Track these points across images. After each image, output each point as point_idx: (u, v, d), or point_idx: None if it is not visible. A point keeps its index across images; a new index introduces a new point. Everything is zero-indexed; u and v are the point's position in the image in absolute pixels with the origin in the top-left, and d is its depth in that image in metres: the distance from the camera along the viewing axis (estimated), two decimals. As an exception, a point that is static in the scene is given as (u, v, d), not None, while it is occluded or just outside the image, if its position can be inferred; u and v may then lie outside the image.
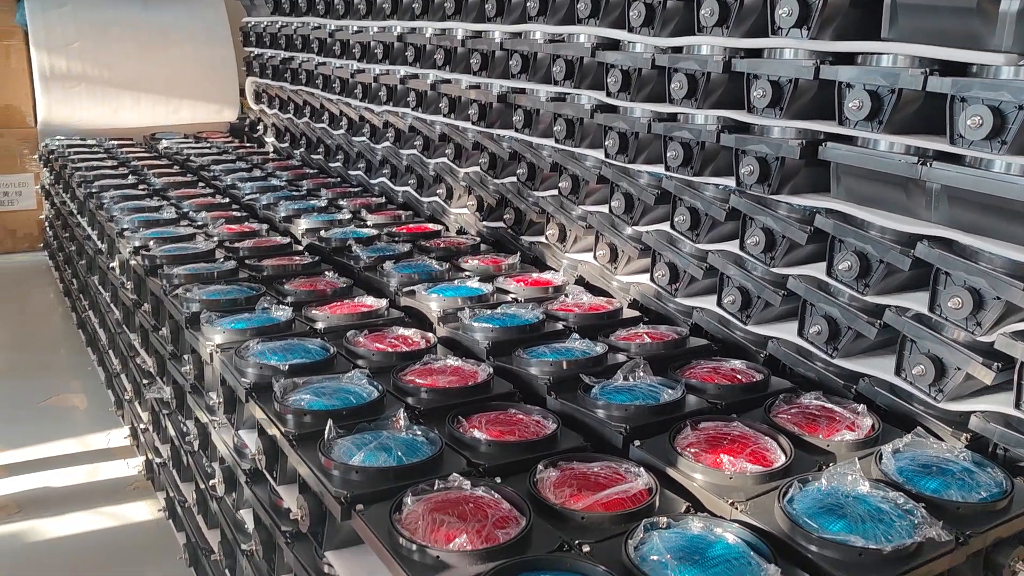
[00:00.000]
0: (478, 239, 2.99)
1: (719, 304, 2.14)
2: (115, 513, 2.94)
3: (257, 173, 4.11)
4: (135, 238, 2.89)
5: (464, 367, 1.86)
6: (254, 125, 5.46)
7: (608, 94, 2.36)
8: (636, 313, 2.30)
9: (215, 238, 2.92)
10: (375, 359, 1.93)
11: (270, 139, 5.12)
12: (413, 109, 3.40)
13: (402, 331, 2.08)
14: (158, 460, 2.69)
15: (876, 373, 1.80)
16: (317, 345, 1.97)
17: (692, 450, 1.49)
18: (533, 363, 1.87)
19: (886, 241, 1.72)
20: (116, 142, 4.98)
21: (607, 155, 2.40)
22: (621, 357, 1.96)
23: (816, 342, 1.90)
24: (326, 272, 2.53)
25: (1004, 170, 1.50)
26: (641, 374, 1.79)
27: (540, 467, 1.44)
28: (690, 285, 2.25)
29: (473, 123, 2.99)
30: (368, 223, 3.19)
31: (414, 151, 3.46)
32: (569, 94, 2.55)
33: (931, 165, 1.60)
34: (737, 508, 1.34)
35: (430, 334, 2.08)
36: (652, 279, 2.35)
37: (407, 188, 3.56)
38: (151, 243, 2.82)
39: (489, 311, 2.19)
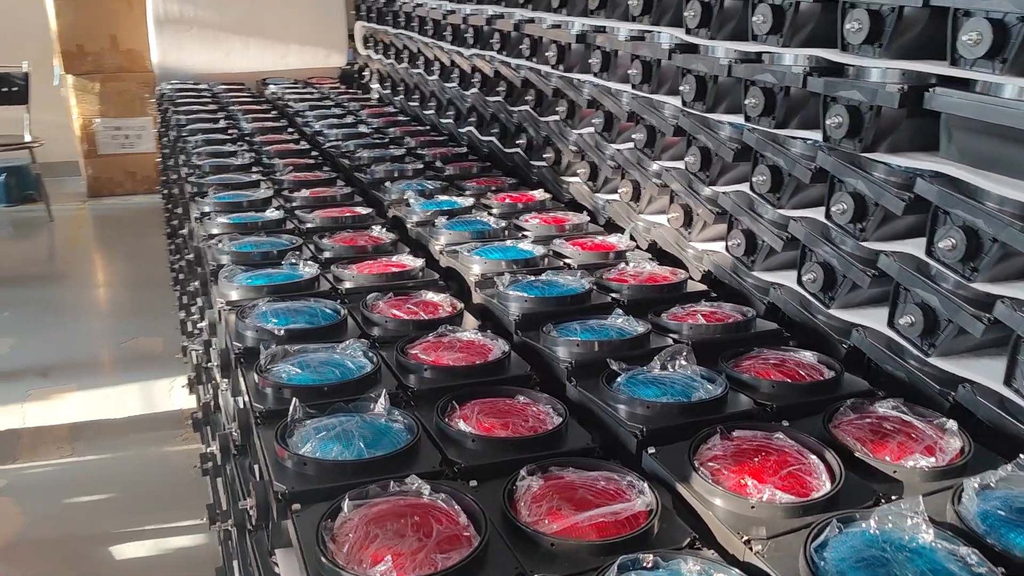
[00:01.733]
0: (548, 195, 2.73)
1: (799, 282, 1.80)
2: (163, 460, 2.96)
3: (349, 120, 3.98)
4: (199, 182, 2.82)
5: (480, 342, 1.63)
6: (361, 71, 5.37)
7: (687, 31, 2.03)
8: (703, 287, 2.00)
9: (277, 186, 2.81)
10: (389, 327, 1.73)
11: (375, 85, 5.00)
12: (498, 52, 3.16)
13: (431, 296, 1.88)
14: (197, 415, 2.63)
15: (981, 379, 1.43)
16: (330, 308, 1.79)
17: (714, 465, 1.21)
18: (560, 342, 1.62)
19: (1004, 215, 1.34)
20: (225, 87, 5.00)
21: (684, 102, 2.08)
22: (669, 340, 1.67)
23: (908, 335, 1.55)
24: (374, 227, 2.35)
25: None
26: (683, 363, 1.51)
27: (523, 472, 1.20)
28: (768, 258, 1.92)
29: (552, 66, 2.71)
30: (444, 172, 3.01)
31: (498, 98, 3.23)
32: (648, 32, 2.23)
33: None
34: (752, 549, 1.06)
35: (459, 302, 1.86)
36: (727, 248, 2.03)
37: (491, 138, 3.34)
38: (211, 189, 2.74)
39: (532, 277, 1.95)
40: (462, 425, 1.33)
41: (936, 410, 1.39)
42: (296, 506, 1.14)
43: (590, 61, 2.49)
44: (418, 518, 1.08)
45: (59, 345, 3.90)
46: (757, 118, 1.83)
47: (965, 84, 1.39)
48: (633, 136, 2.33)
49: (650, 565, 1.01)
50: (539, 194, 2.71)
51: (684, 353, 1.53)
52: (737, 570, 1.01)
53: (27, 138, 5.20)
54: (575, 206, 2.70)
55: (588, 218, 2.44)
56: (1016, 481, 1.16)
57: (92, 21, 5.46)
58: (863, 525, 1.05)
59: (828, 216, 1.69)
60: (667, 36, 2.14)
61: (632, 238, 2.33)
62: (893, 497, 1.16)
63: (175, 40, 5.03)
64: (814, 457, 1.23)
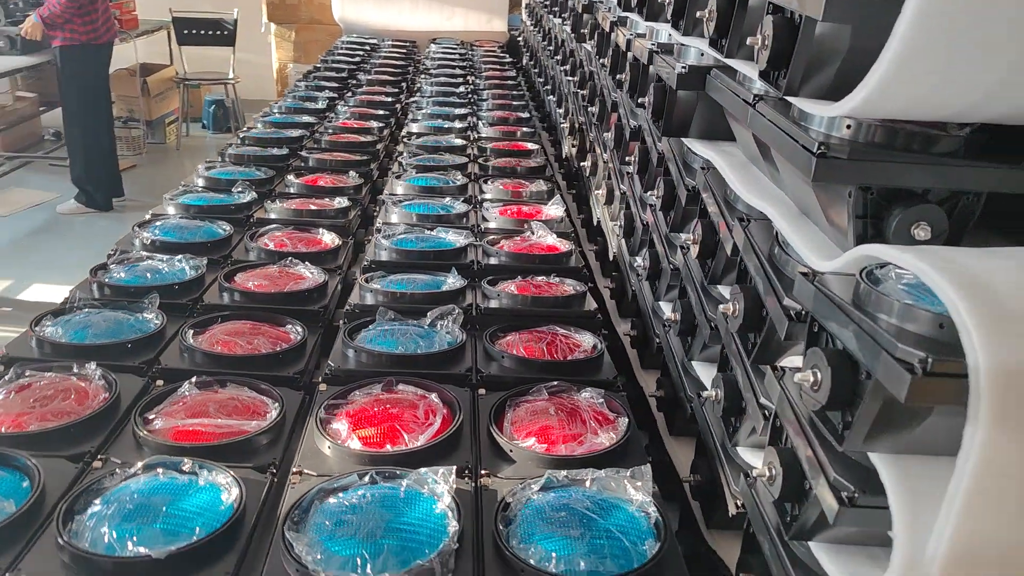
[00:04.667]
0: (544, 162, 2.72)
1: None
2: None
3: (454, 81, 4.13)
4: (266, 119, 3.15)
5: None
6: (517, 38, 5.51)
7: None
8: (579, 265, 1.93)
9: (322, 133, 3.06)
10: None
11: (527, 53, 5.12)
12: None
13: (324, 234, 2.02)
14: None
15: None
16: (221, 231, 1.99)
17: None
18: (371, 288, 1.70)
19: (740, 212, 1.23)
20: (392, 42, 5.37)
21: (613, 77, 2.02)
22: (492, 303, 1.68)
23: (669, 330, 1.45)
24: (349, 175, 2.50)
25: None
26: (449, 324, 1.53)
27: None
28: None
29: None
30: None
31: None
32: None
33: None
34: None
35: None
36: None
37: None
38: (265, 121, 3.07)
39: (420, 231, 2.02)
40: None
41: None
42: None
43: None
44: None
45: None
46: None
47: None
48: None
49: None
50: (536, 161, 2.71)
51: (454, 314, 1.55)
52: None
53: (231, 75, 5.95)
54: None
55: (560, 188, 2.42)
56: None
57: (293, -25, 6.10)
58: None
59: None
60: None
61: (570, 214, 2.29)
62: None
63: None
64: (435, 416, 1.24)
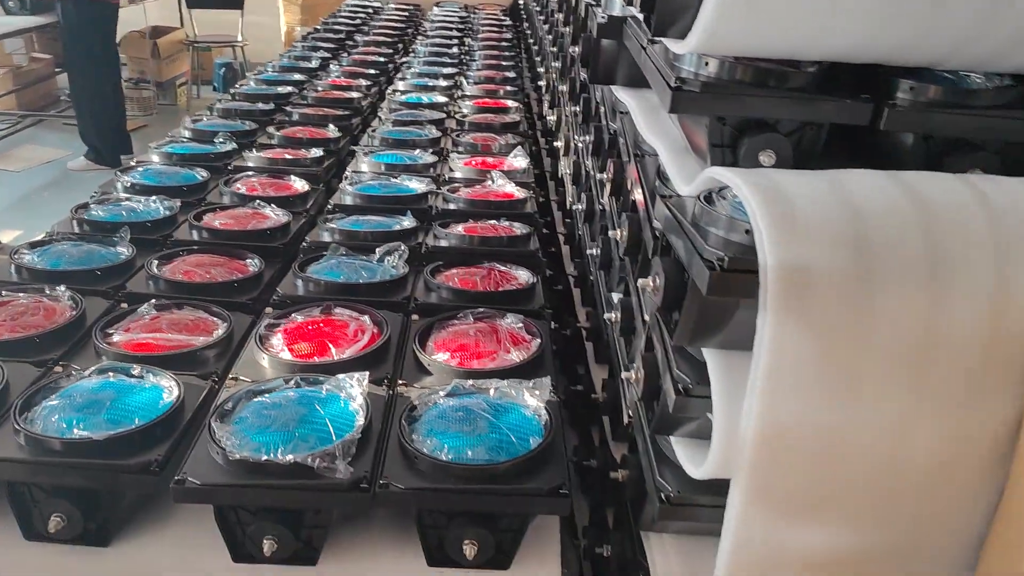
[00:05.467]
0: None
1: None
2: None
3: (449, 42, 4.22)
4: (259, 76, 3.27)
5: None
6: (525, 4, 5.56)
7: None
8: (533, 210, 2.03)
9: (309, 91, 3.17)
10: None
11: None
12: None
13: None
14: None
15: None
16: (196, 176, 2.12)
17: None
18: (328, 227, 1.83)
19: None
20: (396, 5, 5.45)
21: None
22: (442, 243, 1.80)
23: (597, 269, 1.56)
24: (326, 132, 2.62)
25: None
26: (395, 260, 1.66)
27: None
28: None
29: None
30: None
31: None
32: None
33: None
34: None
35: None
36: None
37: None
38: (258, 79, 3.19)
39: (386, 179, 2.14)
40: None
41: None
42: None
43: None
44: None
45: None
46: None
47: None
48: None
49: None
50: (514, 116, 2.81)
51: (400, 250, 1.68)
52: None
53: (239, 38, 6.07)
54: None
55: (516, 141, 2.52)
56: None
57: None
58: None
59: (593, 148, 1.71)
60: None
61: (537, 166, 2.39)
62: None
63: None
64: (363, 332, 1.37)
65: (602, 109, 1.61)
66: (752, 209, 0.83)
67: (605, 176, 1.46)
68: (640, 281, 0.98)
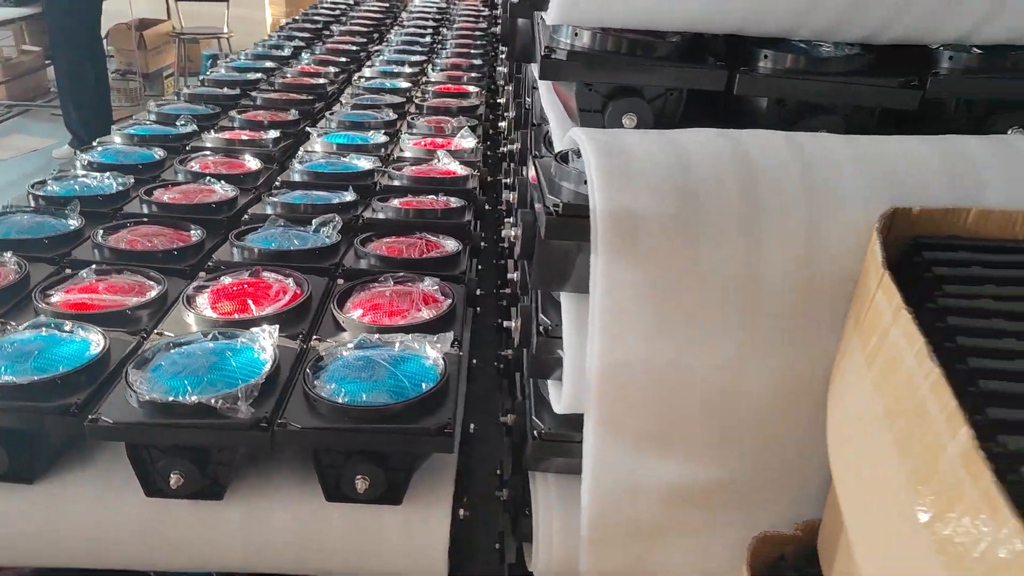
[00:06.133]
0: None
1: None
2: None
3: (423, 31, 4.31)
4: (230, 64, 3.36)
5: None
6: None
7: None
8: (469, 188, 2.11)
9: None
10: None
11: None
12: None
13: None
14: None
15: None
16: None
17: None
18: (270, 200, 1.92)
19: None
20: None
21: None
22: (380, 215, 1.88)
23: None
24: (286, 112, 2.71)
25: None
26: (329, 230, 1.74)
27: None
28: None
29: None
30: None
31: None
32: None
33: None
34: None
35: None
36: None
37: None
38: (228, 66, 3.28)
39: (337, 158, 2.22)
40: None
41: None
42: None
43: None
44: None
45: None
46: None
47: None
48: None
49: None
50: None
51: (335, 221, 1.77)
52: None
53: (225, 30, 6.16)
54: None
55: (469, 123, 2.60)
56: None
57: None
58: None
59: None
60: None
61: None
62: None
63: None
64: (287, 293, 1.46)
65: (521, 87, 1.70)
66: (588, 161, 0.92)
67: (514, 147, 1.54)
68: (504, 232, 1.07)
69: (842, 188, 0.92)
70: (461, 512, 1.33)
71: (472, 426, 1.50)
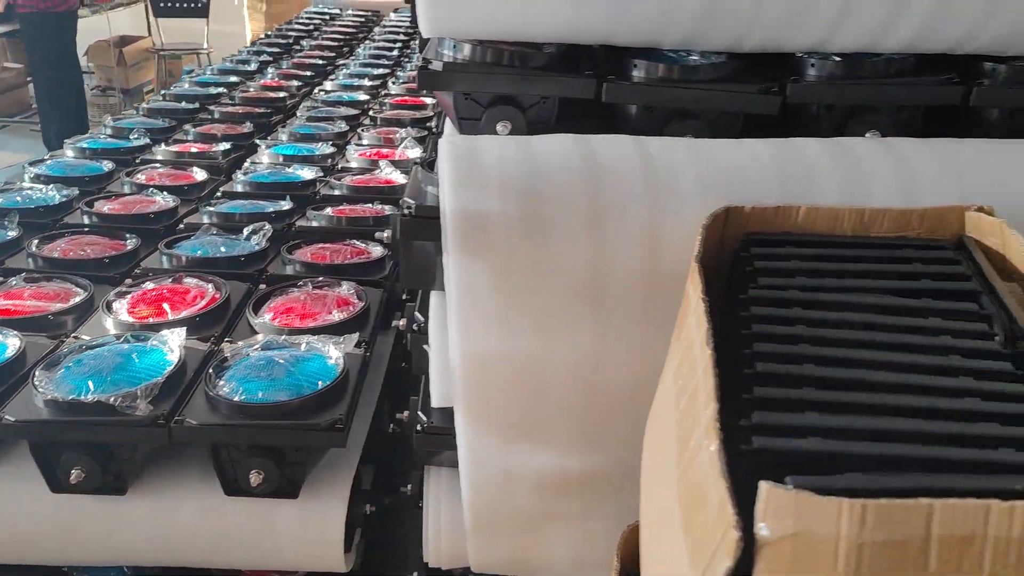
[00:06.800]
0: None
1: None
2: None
3: (391, 46, 4.38)
4: (194, 78, 3.43)
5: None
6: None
7: None
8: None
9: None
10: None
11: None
12: None
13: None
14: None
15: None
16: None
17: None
18: (207, 209, 1.97)
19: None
20: (354, 12, 5.62)
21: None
22: (314, 223, 1.93)
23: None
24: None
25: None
26: (259, 238, 1.80)
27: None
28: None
29: None
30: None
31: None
32: None
33: None
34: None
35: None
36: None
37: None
38: (192, 81, 3.35)
39: (281, 168, 2.28)
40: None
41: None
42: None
43: None
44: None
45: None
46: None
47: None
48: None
49: None
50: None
51: (264, 229, 1.82)
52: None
53: (204, 46, 6.24)
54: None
55: (418, 134, 2.65)
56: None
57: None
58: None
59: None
60: None
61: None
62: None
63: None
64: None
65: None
66: (441, 166, 0.97)
67: (427, 156, 1.60)
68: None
69: (683, 188, 0.97)
70: (368, 508, 1.38)
71: (392, 425, 1.55)
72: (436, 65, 1.14)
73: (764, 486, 0.53)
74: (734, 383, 0.71)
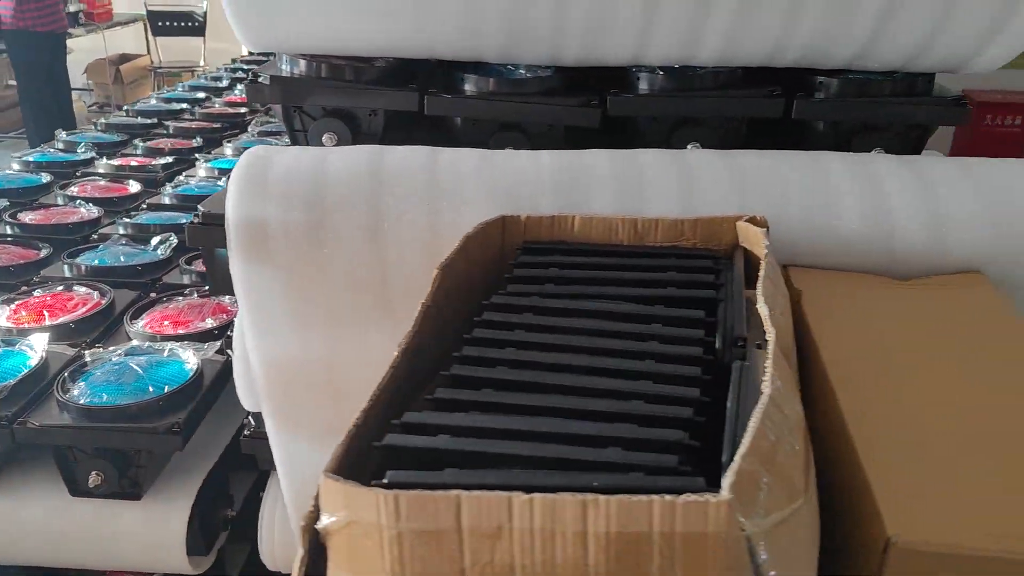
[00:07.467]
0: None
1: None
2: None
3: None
4: (161, 95, 3.51)
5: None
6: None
7: None
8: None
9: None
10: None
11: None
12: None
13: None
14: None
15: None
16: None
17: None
18: (111, 233, 2.02)
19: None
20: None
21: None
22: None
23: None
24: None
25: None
26: (167, 249, 1.84)
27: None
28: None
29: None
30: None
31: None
32: None
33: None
34: None
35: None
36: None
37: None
38: (159, 97, 3.42)
39: (214, 181, 2.33)
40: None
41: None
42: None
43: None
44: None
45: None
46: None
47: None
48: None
49: None
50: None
51: (170, 239, 1.86)
52: None
53: (201, 63, 6.37)
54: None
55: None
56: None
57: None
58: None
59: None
60: None
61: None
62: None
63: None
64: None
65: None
66: (232, 174, 1.00)
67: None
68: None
69: (467, 196, 0.99)
70: (229, 512, 1.41)
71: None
72: (264, 79, 1.17)
73: (321, 477, 0.55)
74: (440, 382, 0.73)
